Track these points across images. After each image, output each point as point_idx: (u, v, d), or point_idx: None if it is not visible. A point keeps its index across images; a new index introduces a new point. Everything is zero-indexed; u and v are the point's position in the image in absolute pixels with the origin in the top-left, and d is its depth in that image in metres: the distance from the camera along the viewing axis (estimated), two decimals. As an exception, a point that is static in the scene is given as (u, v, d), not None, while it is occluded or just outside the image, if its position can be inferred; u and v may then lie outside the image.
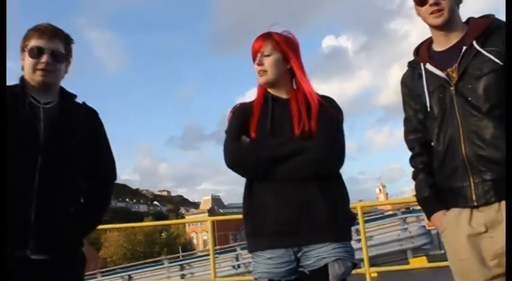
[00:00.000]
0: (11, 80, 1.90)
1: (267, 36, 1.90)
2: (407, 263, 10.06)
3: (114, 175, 2.09)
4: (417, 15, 1.83)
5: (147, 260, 19.99)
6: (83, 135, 1.91)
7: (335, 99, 1.92)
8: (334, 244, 1.72)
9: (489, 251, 1.66)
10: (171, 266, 15.43)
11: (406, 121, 1.95)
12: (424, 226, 11.16)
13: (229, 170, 1.83)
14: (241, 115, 1.88)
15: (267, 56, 1.87)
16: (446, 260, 1.83)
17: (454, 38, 1.79)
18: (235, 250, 14.02)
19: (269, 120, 1.82)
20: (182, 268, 15.10)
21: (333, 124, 1.82)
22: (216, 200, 68.67)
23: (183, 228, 61.42)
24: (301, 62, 1.91)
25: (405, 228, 11.43)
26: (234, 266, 13.46)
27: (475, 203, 1.68)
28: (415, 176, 1.92)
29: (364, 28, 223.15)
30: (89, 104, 2.03)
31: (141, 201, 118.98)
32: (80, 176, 1.93)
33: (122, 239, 50.46)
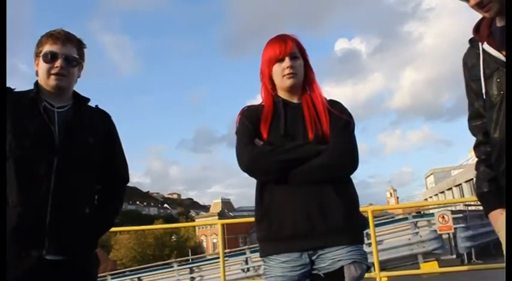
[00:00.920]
0: (26, 85, 1.94)
1: (293, 39, 1.89)
2: (418, 267, 9.89)
3: (127, 177, 2.12)
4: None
5: (157, 263, 20.02)
6: (96, 138, 1.94)
7: (348, 103, 1.92)
8: (350, 246, 1.72)
9: None
10: (180, 269, 15.43)
11: (469, 106, 1.78)
12: (435, 231, 11.01)
13: (240, 173, 1.83)
14: (251, 118, 1.87)
15: (297, 58, 1.87)
16: (458, 265, 1.77)
17: None
18: (244, 253, 13.96)
19: (283, 123, 1.82)
20: (192, 271, 15.09)
21: (345, 129, 1.82)
22: (226, 203, 68.48)
23: (193, 231, 61.37)
24: (312, 67, 1.93)
25: (416, 232, 11.26)
26: (243, 269, 13.42)
27: None
28: (477, 167, 1.75)
29: (378, 30, 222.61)
30: (101, 107, 2.07)
31: (152, 204, 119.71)
32: (94, 178, 1.96)
33: (132, 241, 50.54)
